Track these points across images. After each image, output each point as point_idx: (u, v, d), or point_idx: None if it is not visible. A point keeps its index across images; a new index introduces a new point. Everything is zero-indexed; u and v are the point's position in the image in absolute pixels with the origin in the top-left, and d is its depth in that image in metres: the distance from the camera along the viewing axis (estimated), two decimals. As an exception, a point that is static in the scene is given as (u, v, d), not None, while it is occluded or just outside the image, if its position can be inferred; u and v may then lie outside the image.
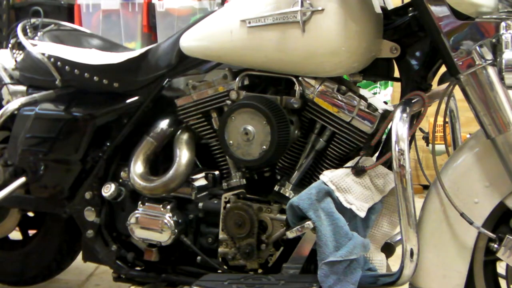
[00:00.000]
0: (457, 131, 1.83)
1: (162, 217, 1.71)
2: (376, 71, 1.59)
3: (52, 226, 2.15)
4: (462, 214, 1.38)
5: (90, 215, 1.85)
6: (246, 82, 1.64)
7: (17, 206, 2.11)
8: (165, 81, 1.76)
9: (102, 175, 1.85)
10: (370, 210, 1.49)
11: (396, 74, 1.61)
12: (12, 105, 1.91)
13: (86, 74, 1.82)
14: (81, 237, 1.90)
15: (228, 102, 1.63)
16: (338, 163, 1.58)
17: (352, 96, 1.53)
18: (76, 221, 1.89)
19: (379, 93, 3.75)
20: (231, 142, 1.59)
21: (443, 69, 1.50)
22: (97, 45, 2.07)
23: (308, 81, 1.56)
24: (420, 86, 1.53)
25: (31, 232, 2.28)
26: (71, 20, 3.71)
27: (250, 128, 1.56)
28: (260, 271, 1.65)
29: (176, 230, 1.71)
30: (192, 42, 1.66)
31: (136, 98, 1.80)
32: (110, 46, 2.08)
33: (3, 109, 1.91)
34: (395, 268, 1.44)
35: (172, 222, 1.71)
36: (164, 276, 1.77)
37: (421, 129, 3.69)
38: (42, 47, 1.91)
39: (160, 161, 1.81)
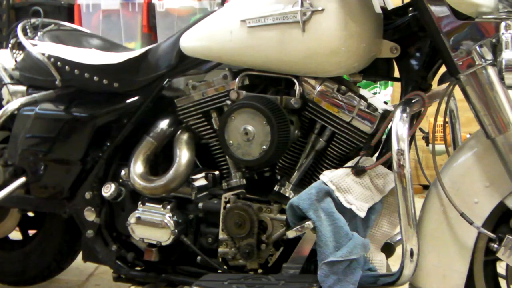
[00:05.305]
0: (457, 131, 1.83)
1: (162, 217, 1.71)
2: (376, 71, 1.59)
3: (52, 226, 2.16)
4: (462, 214, 1.38)
5: (90, 215, 1.85)
6: (246, 82, 1.64)
7: (17, 206, 2.11)
8: (165, 81, 1.76)
9: (102, 175, 1.85)
10: (370, 210, 1.49)
11: (396, 74, 1.61)
12: (12, 105, 1.90)
13: (86, 74, 1.82)
14: (81, 237, 1.90)
15: (228, 102, 1.63)
16: (338, 163, 1.58)
17: (352, 96, 1.54)
18: (76, 221, 1.89)
19: (379, 93, 3.75)
20: (231, 142, 1.59)
21: (443, 69, 1.50)
22: (97, 45, 2.07)
23: (308, 81, 1.56)
24: (420, 86, 1.53)
25: (31, 232, 2.28)
26: (71, 20, 3.71)
27: (250, 128, 1.56)
28: (260, 271, 1.65)
29: (176, 230, 1.71)
30: (192, 42, 1.66)
31: (136, 98, 1.80)
32: (110, 46, 2.08)
33: (3, 109, 1.91)
34: (395, 268, 1.44)
35: (172, 222, 1.71)
36: (164, 276, 1.77)
37: (421, 129, 3.69)
38: (42, 47, 1.90)
39: (160, 161, 1.81)
